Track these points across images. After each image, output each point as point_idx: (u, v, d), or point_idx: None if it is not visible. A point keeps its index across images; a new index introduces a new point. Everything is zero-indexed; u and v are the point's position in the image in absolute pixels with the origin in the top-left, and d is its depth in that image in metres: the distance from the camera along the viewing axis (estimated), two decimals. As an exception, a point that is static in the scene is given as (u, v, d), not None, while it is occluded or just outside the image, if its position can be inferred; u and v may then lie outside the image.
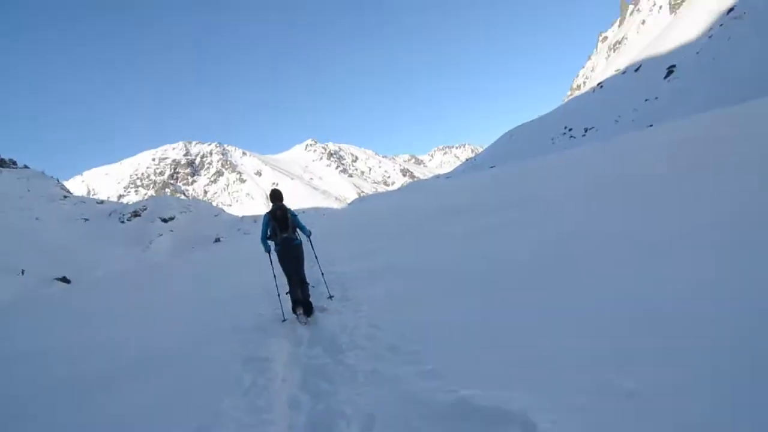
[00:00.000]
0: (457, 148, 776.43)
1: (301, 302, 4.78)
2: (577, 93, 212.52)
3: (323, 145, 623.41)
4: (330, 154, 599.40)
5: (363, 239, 11.21)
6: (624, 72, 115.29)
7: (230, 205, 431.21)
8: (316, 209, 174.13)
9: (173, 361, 4.37)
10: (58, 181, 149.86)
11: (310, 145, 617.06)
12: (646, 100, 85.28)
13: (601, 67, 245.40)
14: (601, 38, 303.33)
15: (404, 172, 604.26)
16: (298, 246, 4.98)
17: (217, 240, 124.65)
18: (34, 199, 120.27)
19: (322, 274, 5.95)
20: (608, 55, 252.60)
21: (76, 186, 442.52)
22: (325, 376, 3.07)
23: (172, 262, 35.65)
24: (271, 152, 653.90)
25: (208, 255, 28.56)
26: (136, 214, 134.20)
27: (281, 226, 4.78)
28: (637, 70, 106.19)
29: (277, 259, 4.98)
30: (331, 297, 5.43)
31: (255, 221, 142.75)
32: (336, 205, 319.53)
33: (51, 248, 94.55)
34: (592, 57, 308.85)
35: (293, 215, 4.96)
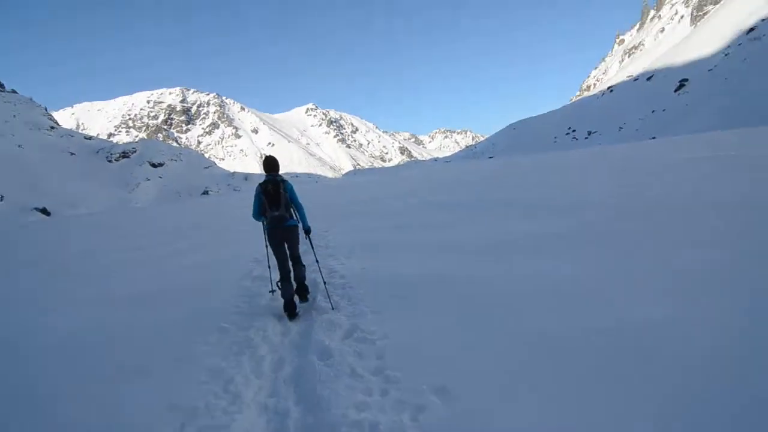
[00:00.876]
0: (458, 133, 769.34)
1: (294, 288, 4.21)
2: (586, 94, 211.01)
3: (324, 111, 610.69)
4: (330, 122, 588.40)
5: (363, 223, 9.75)
6: (636, 79, 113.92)
7: (223, 159, 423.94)
8: (309, 175, 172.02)
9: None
10: (46, 110, 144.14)
11: (311, 109, 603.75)
12: (653, 111, 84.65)
13: (614, 70, 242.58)
14: (618, 40, 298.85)
15: (402, 150, 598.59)
16: (292, 228, 4.19)
17: (206, 192, 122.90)
18: (18, 126, 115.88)
19: (324, 281, 4.54)
20: (623, 59, 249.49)
21: (65, 118, 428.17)
22: None
23: (155, 209, 34.40)
24: (271, 111, 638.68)
25: (195, 207, 27.25)
26: (124, 155, 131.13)
27: (271, 202, 4.06)
28: (649, 78, 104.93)
29: (268, 242, 4.23)
30: (333, 308, 4.17)
31: (246, 179, 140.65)
32: (330, 174, 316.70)
33: (32, 178, 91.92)
34: (606, 59, 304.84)
35: (288, 189, 4.18)
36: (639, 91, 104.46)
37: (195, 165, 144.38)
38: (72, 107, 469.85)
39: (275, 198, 4.05)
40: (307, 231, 4.40)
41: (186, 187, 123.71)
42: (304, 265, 4.39)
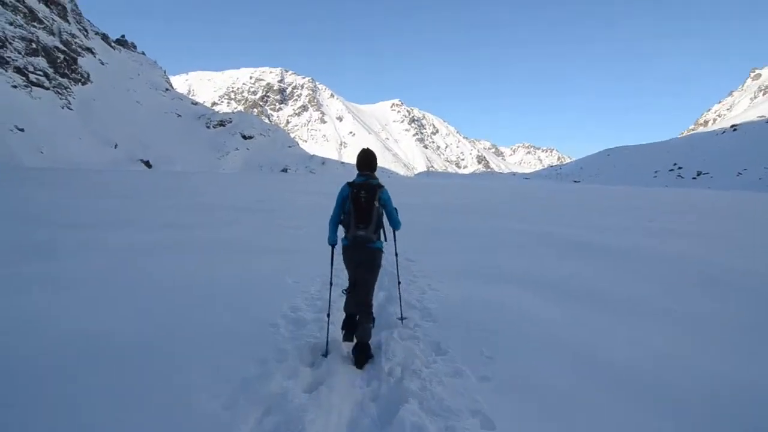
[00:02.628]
0: (543, 151, 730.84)
1: (356, 338, 3.22)
2: (701, 129, 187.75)
3: (408, 108, 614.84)
4: (412, 120, 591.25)
5: (467, 254, 6.88)
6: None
7: (306, 141, 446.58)
8: (382, 169, 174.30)
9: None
10: (165, 73, 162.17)
11: (396, 105, 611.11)
12: (788, 160, 72.66)
13: (742, 107, 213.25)
14: (752, 75, 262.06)
15: (480, 159, 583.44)
16: (374, 252, 3.19)
17: (284, 170, 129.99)
18: (140, 84, 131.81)
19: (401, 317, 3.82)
20: (755, 96, 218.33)
21: (180, 83, 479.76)
22: None
23: (239, 178, 36.75)
24: (358, 102, 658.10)
25: (271, 183, 28.23)
26: (221, 124, 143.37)
27: (360, 217, 3.06)
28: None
29: (342, 257, 3.33)
30: (402, 318, 3.77)
31: (323, 163, 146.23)
32: (402, 172, 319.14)
33: (142, 132, 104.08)
34: (734, 93, 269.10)
35: (384, 200, 3.16)
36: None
37: (280, 142, 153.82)
38: (187, 74, 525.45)
39: (366, 211, 3.06)
40: (395, 229, 3.52)
41: (268, 161, 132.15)
42: (374, 319, 3.34)
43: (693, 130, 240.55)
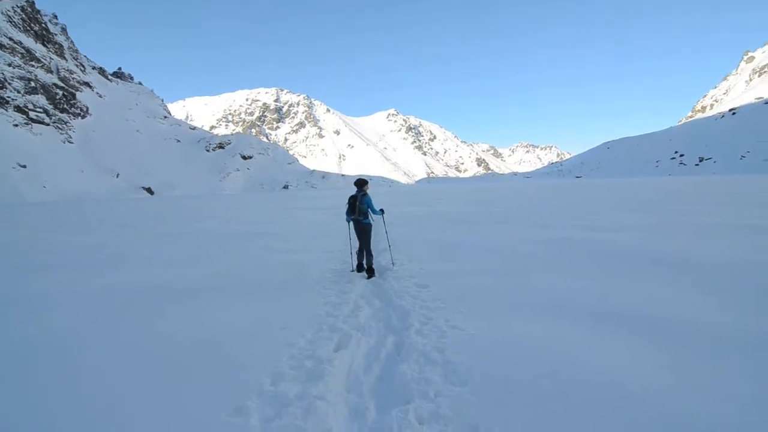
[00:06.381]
0: (542, 149, 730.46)
1: (364, 267, 6.33)
2: (699, 116, 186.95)
3: (404, 117, 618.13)
4: (409, 128, 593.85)
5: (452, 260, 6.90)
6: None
7: (305, 157, 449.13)
8: (383, 179, 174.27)
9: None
10: (162, 101, 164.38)
11: (392, 115, 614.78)
12: (791, 139, 71.96)
13: (738, 90, 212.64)
14: (746, 58, 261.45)
15: (480, 161, 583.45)
16: (366, 225, 6.28)
17: (286, 187, 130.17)
18: (139, 113, 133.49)
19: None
20: (750, 79, 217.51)
21: (177, 110, 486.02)
22: None
23: (239, 199, 36.59)
24: (354, 114, 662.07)
25: (279, 202, 28.15)
26: (220, 146, 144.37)
27: (352, 210, 6.33)
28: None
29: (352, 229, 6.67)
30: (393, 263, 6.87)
31: (323, 177, 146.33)
32: (403, 180, 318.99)
33: (143, 159, 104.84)
34: (729, 77, 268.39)
35: (365, 202, 6.27)
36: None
37: (280, 160, 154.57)
38: (184, 100, 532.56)
39: (353, 207, 6.29)
40: (380, 214, 6.58)
41: (269, 179, 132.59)
42: (372, 255, 6.37)
43: (691, 117, 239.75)
